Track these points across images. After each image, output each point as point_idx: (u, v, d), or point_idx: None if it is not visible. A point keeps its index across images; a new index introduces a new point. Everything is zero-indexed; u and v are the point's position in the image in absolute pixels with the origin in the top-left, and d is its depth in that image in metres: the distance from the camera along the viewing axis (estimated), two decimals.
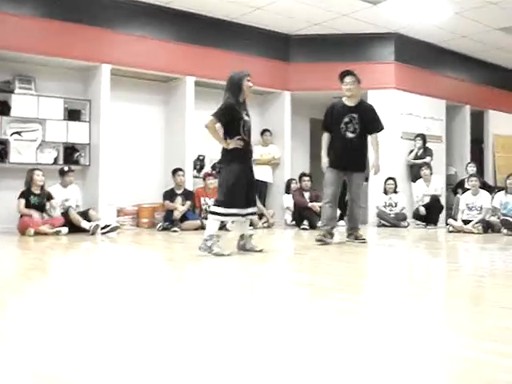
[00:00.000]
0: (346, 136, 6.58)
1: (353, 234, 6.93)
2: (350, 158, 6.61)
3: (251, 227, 7.76)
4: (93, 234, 7.97)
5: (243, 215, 5.67)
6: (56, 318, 2.76)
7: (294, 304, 3.20)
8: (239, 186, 5.54)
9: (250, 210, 5.74)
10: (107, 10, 9.11)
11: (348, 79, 6.66)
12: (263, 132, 10.87)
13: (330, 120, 6.73)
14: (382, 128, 6.87)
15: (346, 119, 6.58)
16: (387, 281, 4.27)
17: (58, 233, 7.89)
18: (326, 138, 6.83)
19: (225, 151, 5.69)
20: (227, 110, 5.57)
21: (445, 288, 3.94)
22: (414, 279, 4.39)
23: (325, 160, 6.74)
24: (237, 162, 5.58)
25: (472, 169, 10.34)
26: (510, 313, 2.89)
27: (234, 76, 5.73)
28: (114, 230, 8.20)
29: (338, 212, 9.87)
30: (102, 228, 8.11)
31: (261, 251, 5.71)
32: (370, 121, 6.70)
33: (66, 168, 8.62)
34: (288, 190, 10.51)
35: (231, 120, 5.57)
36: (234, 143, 5.56)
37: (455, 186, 10.56)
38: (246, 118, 5.66)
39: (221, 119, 5.56)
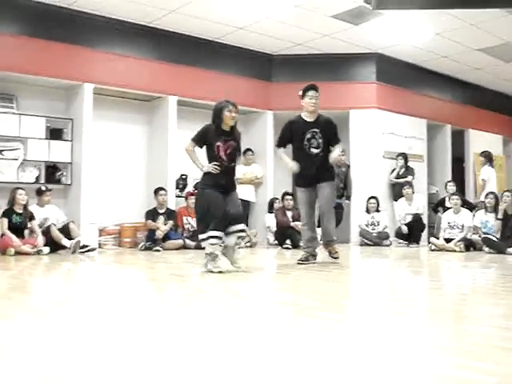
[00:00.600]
0: (310, 152, 6.46)
1: (327, 248, 6.78)
2: (317, 174, 6.47)
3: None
4: (74, 252, 7.96)
5: (230, 232, 5.72)
6: (37, 340, 2.73)
7: (277, 323, 3.19)
8: (214, 208, 5.61)
9: (236, 227, 5.77)
10: (90, 28, 9.11)
11: (313, 93, 6.54)
12: (245, 151, 10.86)
13: (289, 137, 6.62)
14: (339, 141, 6.69)
15: (308, 135, 6.45)
16: (370, 300, 4.27)
17: (39, 252, 7.83)
18: (280, 150, 6.78)
19: (202, 175, 5.87)
20: (202, 134, 5.80)
21: (427, 306, 3.95)
22: (397, 297, 4.40)
23: (291, 164, 6.55)
24: (210, 186, 5.72)
25: (452, 188, 10.40)
26: (490, 330, 2.90)
27: (216, 105, 5.89)
28: (91, 250, 8.13)
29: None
30: (81, 247, 8.08)
31: (238, 268, 5.69)
32: (331, 135, 6.55)
33: (43, 188, 8.54)
34: (271, 209, 10.51)
35: (207, 144, 5.76)
36: (207, 168, 5.72)
37: (436, 205, 10.62)
38: (221, 143, 5.70)
39: (197, 142, 5.80)
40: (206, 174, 5.80)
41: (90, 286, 5.24)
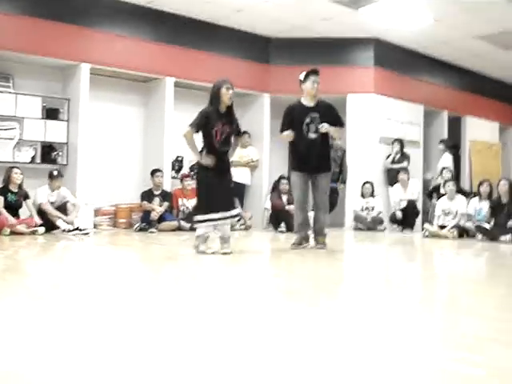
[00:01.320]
0: (308, 137, 6.45)
1: (316, 238, 6.75)
2: (314, 160, 6.48)
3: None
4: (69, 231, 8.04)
5: (224, 218, 5.79)
6: (30, 321, 2.75)
7: (268, 310, 3.21)
8: (209, 192, 5.76)
9: (230, 213, 5.86)
10: (87, 8, 9.05)
11: (315, 78, 6.54)
12: (242, 133, 10.85)
13: (290, 122, 6.56)
14: (343, 124, 6.77)
15: (308, 120, 6.45)
16: (361, 288, 4.29)
17: (34, 232, 7.84)
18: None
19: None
20: (200, 118, 5.80)
21: (419, 295, 3.97)
22: (389, 286, 4.43)
23: (286, 132, 6.54)
24: (205, 171, 5.83)
25: (447, 174, 10.41)
26: (481, 321, 2.92)
27: (213, 85, 5.90)
28: (86, 234, 8.13)
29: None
30: (74, 230, 8.10)
31: (226, 254, 5.75)
32: (331, 119, 6.51)
33: (55, 172, 8.43)
34: (274, 190, 10.40)
35: (204, 128, 5.77)
36: (205, 160, 5.77)
37: (430, 191, 10.63)
38: (220, 126, 5.74)
39: (197, 128, 5.80)
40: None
41: (83, 268, 5.25)
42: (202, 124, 5.78)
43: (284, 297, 3.64)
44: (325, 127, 6.39)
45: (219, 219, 5.75)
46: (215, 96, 5.81)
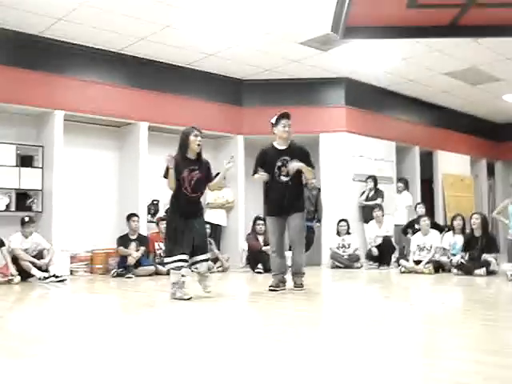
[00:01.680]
0: (280, 180, 6.51)
1: (294, 279, 6.75)
2: (287, 202, 6.52)
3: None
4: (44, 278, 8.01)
5: (193, 263, 5.95)
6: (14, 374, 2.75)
7: (245, 353, 3.22)
8: (177, 234, 5.84)
9: (199, 257, 5.97)
10: (60, 55, 9.12)
11: (286, 121, 6.59)
12: (216, 176, 10.91)
13: (262, 165, 6.62)
14: (312, 166, 6.74)
15: (279, 163, 6.51)
16: (337, 331, 4.32)
17: (9, 281, 7.79)
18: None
19: (170, 202, 6.15)
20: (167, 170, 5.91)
21: (396, 336, 4.00)
22: (366, 327, 4.44)
23: (259, 174, 6.61)
24: (175, 213, 5.97)
25: (421, 210, 10.53)
26: (455, 365, 2.95)
27: (182, 132, 6.04)
28: (62, 281, 8.08)
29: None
30: (50, 277, 8.06)
31: (208, 292, 6.00)
32: (304, 160, 6.55)
33: (26, 218, 8.39)
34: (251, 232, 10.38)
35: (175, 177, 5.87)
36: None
37: (405, 227, 10.73)
38: (186, 174, 5.86)
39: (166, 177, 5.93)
40: (172, 202, 6.04)
41: (61, 318, 5.21)
42: (175, 172, 5.87)
43: (263, 342, 3.65)
44: (293, 164, 6.44)
45: (185, 261, 5.85)
46: (184, 143, 5.94)
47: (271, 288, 6.61)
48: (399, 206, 11.55)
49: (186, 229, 5.84)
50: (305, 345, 3.54)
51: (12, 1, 7.66)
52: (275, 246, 6.73)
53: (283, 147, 6.61)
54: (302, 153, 6.67)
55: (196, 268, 6.03)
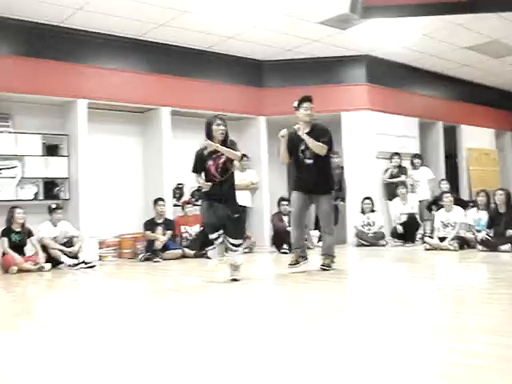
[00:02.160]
0: (304, 163, 6.64)
1: (322, 259, 6.84)
2: (313, 182, 6.64)
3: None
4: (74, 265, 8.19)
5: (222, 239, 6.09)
6: (52, 354, 2.86)
7: (276, 337, 3.30)
8: (208, 220, 6.09)
9: (231, 240, 6.07)
10: (81, 45, 9.22)
11: (308, 105, 6.67)
12: (241, 157, 10.98)
13: (290, 148, 6.72)
14: (330, 146, 6.72)
15: (302, 147, 6.63)
16: (363, 315, 4.39)
17: (40, 269, 7.97)
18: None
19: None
20: (195, 161, 6.14)
21: (416, 317, 4.06)
22: (393, 310, 4.51)
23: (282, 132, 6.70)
24: (205, 197, 6.20)
25: (445, 186, 10.51)
26: (474, 348, 3.00)
27: (205, 121, 6.14)
28: (91, 267, 8.27)
29: (317, 233, 10.08)
30: (80, 263, 8.24)
31: (235, 280, 6.03)
32: (320, 137, 6.61)
33: (53, 205, 8.63)
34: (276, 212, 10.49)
35: (201, 167, 6.07)
36: (203, 186, 6.13)
37: (429, 203, 10.71)
38: (211, 162, 6.00)
39: (198, 172, 6.14)
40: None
41: (91, 303, 5.35)
42: (200, 166, 6.09)
43: (292, 325, 3.73)
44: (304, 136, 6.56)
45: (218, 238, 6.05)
46: (208, 133, 6.04)
47: (291, 264, 6.77)
48: (421, 182, 11.46)
49: (214, 216, 6.05)
50: (330, 329, 3.61)
51: None
52: (295, 219, 6.86)
53: (306, 130, 6.64)
54: (322, 133, 6.67)
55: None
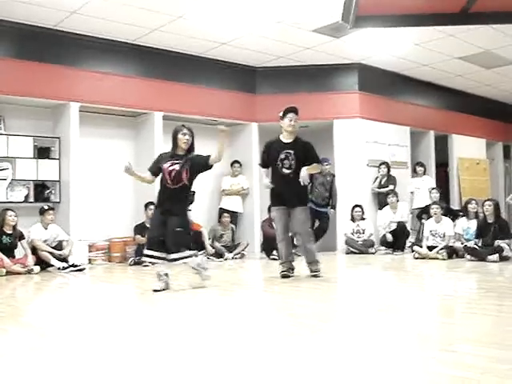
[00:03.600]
0: (282, 172, 6.67)
1: (309, 267, 6.87)
2: (289, 194, 6.69)
3: (220, 259, 8.30)
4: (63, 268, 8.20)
5: (164, 259, 5.99)
6: (39, 357, 2.86)
7: (264, 343, 3.32)
8: (152, 228, 6.17)
9: (173, 256, 5.98)
10: (75, 48, 9.24)
11: (292, 115, 6.72)
12: (232, 163, 11.05)
13: (267, 157, 6.86)
14: (319, 162, 6.93)
15: (282, 156, 6.67)
16: (351, 322, 4.41)
17: (29, 272, 7.96)
18: (263, 170, 7.05)
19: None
20: (155, 161, 6.33)
21: (402, 326, 4.09)
22: (377, 317, 4.53)
23: (265, 181, 6.91)
24: (155, 207, 6.36)
25: (435, 195, 10.53)
26: (460, 359, 3.00)
27: (173, 130, 6.24)
28: (81, 270, 8.27)
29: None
30: (69, 266, 8.24)
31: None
32: (307, 157, 6.73)
33: (45, 206, 8.65)
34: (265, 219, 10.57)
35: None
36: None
37: (420, 212, 10.74)
38: (166, 166, 6.04)
39: (152, 170, 6.32)
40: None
41: (81, 306, 5.36)
42: (156, 165, 6.24)
43: (276, 335, 3.74)
44: (303, 176, 6.59)
45: (158, 258, 5.97)
46: (173, 140, 6.17)
47: (284, 273, 6.78)
48: (421, 190, 11.49)
49: (159, 225, 6.06)
50: (316, 338, 3.63)
51: None
52: (281, 234, 6.89)
53: (288, 140, 6.74)
54: (306, 148, 6.79)
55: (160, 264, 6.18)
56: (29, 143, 9.03)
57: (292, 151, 6.66)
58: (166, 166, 6.04)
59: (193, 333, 3.86)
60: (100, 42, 9.43)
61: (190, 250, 6.16)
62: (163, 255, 5.93)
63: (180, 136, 6.06)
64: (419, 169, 11.77)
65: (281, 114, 6.82)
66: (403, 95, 12.37)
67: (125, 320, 4.48)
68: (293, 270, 6.92)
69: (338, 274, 8.28)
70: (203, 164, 6.09)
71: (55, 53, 9.05)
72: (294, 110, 6.78)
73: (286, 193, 6.71)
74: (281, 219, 6.84)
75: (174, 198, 6.01)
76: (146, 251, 6.05)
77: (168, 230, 5.91)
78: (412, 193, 11.49)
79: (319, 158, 6.92)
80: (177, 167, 6.01)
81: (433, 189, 11.04)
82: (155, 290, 5.82)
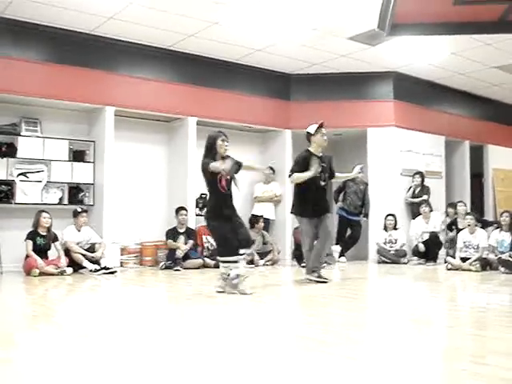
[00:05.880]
0: (319, 184, 7.00)
1: (315, 271, 7.08)
2: (321, 205, 7.08)
3: (252, 265, 8.29)
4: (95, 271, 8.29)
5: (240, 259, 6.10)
6: (67, 356, 2.89)
7: (285, 358, 3.30)
8: (225, 234, 6.02)
9: (242, 251, 6.10)
10: (111, 53, 9.35)
11: (325, 131, 7.08)
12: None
13: (304, 170, 6.96)
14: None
15: (320, 169, 6.96)
16: (382, 333, 4.37)
17: (62, 273, 8.05)
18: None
19: (207, 204, 6.61)
20: (203, 173, 6.14)
21: (434, 338, 4.04)
22: (408, 328, 4.49)
23: (313, 168, 6.94)
24: (213, 217, 6.13)
25: (462, 208, 10.29)
26: (492, 373, 2.94)
27: (209, 136, 6.23)
28: (112, 273, 8.35)
29: (338, 248, 10.22)
30: (101, 269, 8.32)
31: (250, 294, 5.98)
32: (332, 170, 7.28)
33: (78, 209, 8.77)
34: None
35: (212, 176, 6.05)
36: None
37: (449, 225, 10.55)
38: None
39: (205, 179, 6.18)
40: (210, 206, 6.33)
41: (111, 310, 5.39)
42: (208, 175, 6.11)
43: (308, 341, 3.73)
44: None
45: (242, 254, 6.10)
46: (211, 147, 6.10)
47: (314, 279, 7.00)
48: None
49: (228, 227, 6.09)
50: (347, 347, 3.61)
51: (65, 2, 7.87)
52: (308, 246, 7.13)
53: (320, 154, 7.08)
54: (330, 161, 7.30)
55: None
56: (64, 146, 9.15)
57: (324, 164, 7.03)
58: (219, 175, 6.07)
59: (221, 339, 3.86)
60: (136, 47, 9.53)
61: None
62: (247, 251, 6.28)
63: (220, 142, 6.08)
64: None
65: (311, 130, 7.10)
66: (438, 104, 12.25)
67: (153, 324, 4.50)
68: (320, 277, 7.03)
69: (370, 283, 8.22)
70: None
71: (92, 57, 9.17)
72: (323, 125, 7.09)
73: (319, 204, 7.05)
74: (310, 231, 7.10)
75: (228, 203, 6.14)
76: (229, 258, 6.03)
77: (238, 224, 6.11)
78: None
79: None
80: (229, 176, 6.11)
81: (458, 202, 10.86)
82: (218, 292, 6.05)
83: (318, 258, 7.10)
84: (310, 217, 7.05)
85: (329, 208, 7.26)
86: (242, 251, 6.05)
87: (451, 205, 10.98)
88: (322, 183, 7.03)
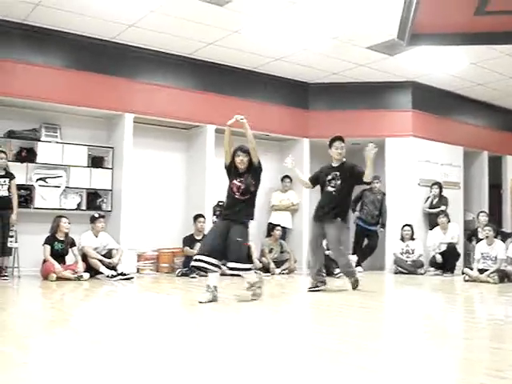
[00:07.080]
0: (327, 190, 7.29)
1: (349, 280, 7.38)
2: (326, 210, 7.21)
3: (267, 274, 8.32)
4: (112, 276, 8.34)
5: (214, 265, 6.09)
6: (82, 361, 2.91)
7: (300, 369, 3.30)
8: (210, 235, 6.34)
9: (228, 265, 6.15)
10: (131, 60, 9.43)
11: (338, 144, 7.28)
12: (283, 178, 11.04)
13: (317, 178, 7.56)
14: (363, 173, 7.20)
15: (330, 177, 7.30)
16: (398, 344, 4.35)
17: (79, 278, 8.09)
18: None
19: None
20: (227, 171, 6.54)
21: (448, 350, 4.02)
22: (423, 340, 4.47)
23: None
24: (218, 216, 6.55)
25: (484, 218, 10.30)
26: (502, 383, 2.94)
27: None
28: (129, 279, 8.40)
29: (354, 258, 10.17)
30: (118, 275, 8.37)
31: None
32: (354, 176, 7.23)
33: (96, 214, 8.84)
34: None
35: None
36: None
37: (469, 235, 10.54)
38: (236, 182, 6.30)
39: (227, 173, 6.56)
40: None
41: (127, 316, 5.41)
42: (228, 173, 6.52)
43: (322, 351, 3.72)
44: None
45: (208, 263, 6.03)
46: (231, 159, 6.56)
47: (310, 288, 7.23)
48: None
49: (218, 233, 6.24)
50: (362, 357, 3.59)
51: (86, 9, 7.96)
52: (310, 248, 7.66)
53: (336, 165, 7.36)
54: (352, 169, 7.34)
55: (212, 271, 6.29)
56: (83, 152, 9.23)
57: (338, 173, 7.25)
58: (235, 181, 6.36)
59: (236, 347, 3.86)
60: (156, 54, 9.60)
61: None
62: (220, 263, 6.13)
63: (236, 158, 6.48)
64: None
65: (328, 143, 7.38)
66: (457, 114, 12.20)
67: (167, 331, 4.50)
68: (323, 282, 7.28)
69: (386, 293, 8.19)
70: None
71: (112, 64, 9.25)
72: (339, 139, 7.35)
73: (324, 209, 7.26)
74: (311, 233, 7.62)
75: (236, 206, 6.30)
76: (197, 256, 6.13)
77: (229, 240, 6.08)
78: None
79: (363, 172, 7.19)
80: (243, 183, 6.29)
81: (480, 212, 10.82)
82: (201, 302, 5.87)
83: (341, 267, 7.64)
84: (313, 219, 7.45)
85: (333, 216, 7.17)
86: (198, 257, 6.05)
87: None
88: (330, 189, 7.25)
